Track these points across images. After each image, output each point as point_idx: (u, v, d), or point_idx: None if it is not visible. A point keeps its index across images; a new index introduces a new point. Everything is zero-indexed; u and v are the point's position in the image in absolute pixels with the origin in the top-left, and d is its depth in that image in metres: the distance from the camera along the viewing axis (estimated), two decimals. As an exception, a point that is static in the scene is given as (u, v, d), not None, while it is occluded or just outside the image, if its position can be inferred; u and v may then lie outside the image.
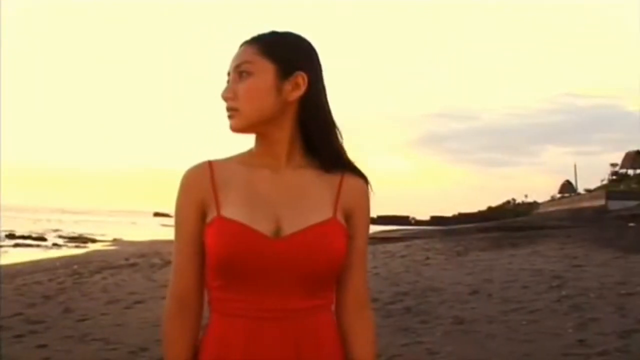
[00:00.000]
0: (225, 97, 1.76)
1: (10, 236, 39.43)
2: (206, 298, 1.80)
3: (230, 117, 1.76)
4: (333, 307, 1.83)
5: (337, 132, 1.82)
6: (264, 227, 1.69)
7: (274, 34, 1.79)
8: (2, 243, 34.51)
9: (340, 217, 1.77)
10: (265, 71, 1.73)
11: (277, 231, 1.69)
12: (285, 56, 1.75)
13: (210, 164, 1.79)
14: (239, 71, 1.74)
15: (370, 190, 1.86)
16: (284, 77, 1.73)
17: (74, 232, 47.48)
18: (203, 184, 1.76)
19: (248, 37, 1.80)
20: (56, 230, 49.90)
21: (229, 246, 1.67)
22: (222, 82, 1.80)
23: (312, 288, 1.73)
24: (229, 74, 1.78)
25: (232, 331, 1.71)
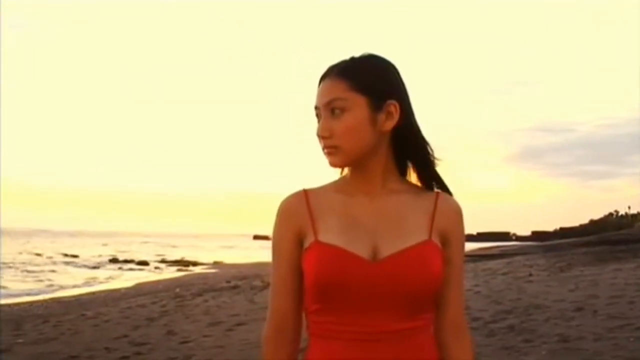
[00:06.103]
0: (321, 136, 1.76)
1: (114, 261, 40.64)
2: (304, 322, 1.81)
3: (329, 154, 1.76)
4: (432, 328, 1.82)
5: (429, 149, 1.82)
6: (362, 251, 1.70)
7: (356, 62, 1.78)
8: (107, 268, 35.55)
9: (436, 239, 1.76)
10: (359, 106, 1.72)
11: (375, 254, 1.70)
12: (375, 87, 1.74)
13: (305, 192, 1.82)
14: (331, 108, 1.74)
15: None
16: (377, 109, 1.73)
17: (176, 256, 48.40)
18: (300, 212, 1.79)
19: (335, 61, 1.79)
20: (158, 255, 51.02)
21: (327, 270, 1.68)
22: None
23: (410, 309, 1.72)
24: (317, 108, 1.78)
25: (332, 354, 1.71)
